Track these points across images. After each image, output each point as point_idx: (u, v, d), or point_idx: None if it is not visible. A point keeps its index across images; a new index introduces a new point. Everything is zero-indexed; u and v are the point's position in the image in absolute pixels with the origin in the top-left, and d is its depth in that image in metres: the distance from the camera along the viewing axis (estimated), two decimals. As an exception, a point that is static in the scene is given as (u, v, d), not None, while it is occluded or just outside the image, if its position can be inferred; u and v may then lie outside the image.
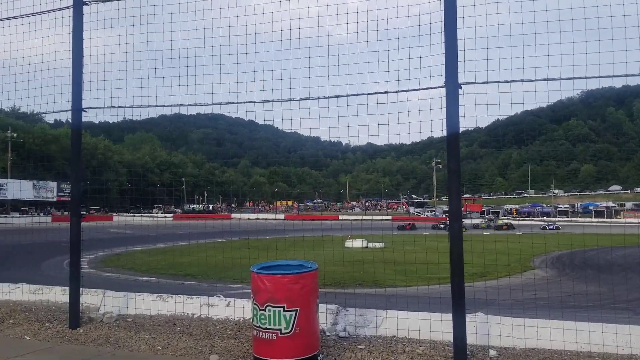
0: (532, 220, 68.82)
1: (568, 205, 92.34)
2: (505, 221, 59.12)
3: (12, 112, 55.40)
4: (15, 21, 7.83)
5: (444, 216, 70.59)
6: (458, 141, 5.70)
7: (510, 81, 5.84)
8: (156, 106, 7.28)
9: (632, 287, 15.69)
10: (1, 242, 29.55)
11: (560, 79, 5.74)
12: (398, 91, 6.04)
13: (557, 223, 54.62)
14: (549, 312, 7.43)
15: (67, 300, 6.87)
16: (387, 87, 6.29)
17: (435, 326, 5.85)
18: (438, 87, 5.79)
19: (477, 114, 6.09)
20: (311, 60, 6.69)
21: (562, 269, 22.07)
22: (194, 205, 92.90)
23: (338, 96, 6.46)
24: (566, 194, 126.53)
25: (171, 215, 63.02)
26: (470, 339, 5.56)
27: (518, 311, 7.53)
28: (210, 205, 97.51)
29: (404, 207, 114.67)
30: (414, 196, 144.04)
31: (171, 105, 7.37)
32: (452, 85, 5.58)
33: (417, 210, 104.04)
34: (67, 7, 7.20)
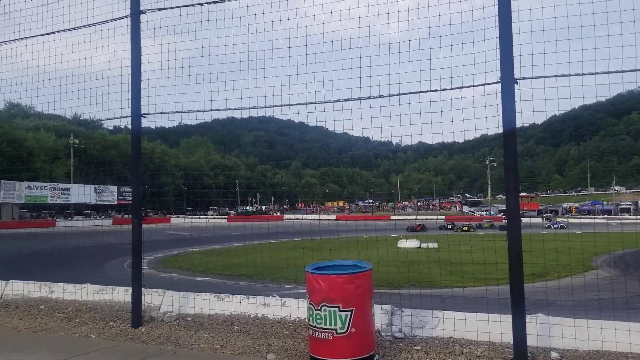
0: (580, 218, 66.05)
1: (630, 203, 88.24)
2: (564, 219, 57.51)
3: (74, 120, 57.94)
4: (76, 32, 8.18)
5: (499, 215, 68.90)
6: (515, 138, 5.57)
7: (569, 75, 5.65)
8: (211, 110, 7.44)
9: None
10: (66, 244, 30.90)
11: (622, 71, 5.50)
12: (451, 88, 5.94)
13: (561, 222, 53.35)
14: (613, 313, 7.13)
15: (130, 300, 7.12)
16: (441, 84, 6.19)
17: (494, 327, 5.72)
18: (493, 83, 5.66)
19: (534, 109, 5.92)
20: (362, 60, 6.69)
21: (626, 268, 21.13)
22: (247, 207, 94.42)
23: (390, 95, 6.42)
24: (628, 191, 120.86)
25: (225, 216, 64.25)
26: (531, 341, 5.40)
27: (580, 312, 7.27)
28: (263, 207, 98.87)
29: (457, 206, 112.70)
30: (467, 195, 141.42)
31: (225, 109, 7.53)
32: (508, 81, 5.44)
33: (471, 209, 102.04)
34: (125, 17, 7.47)
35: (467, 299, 8.40)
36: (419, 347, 5.62)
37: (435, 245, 29.62)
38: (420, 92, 6.28)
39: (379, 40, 6.63)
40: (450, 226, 53.29)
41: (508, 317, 5.32)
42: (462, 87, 6.05)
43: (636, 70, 5.52)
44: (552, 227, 48.51)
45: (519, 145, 5.85)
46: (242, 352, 5.77)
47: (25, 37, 8.62)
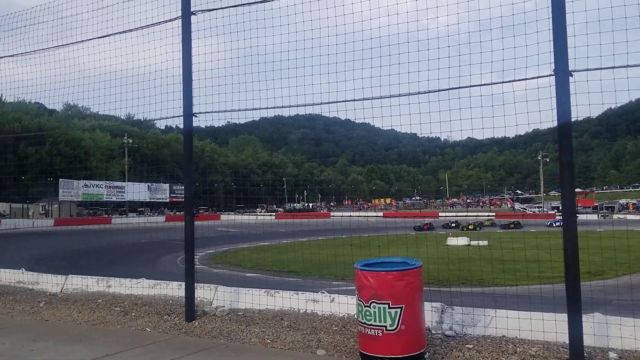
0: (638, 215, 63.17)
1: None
2: (621, 216, 55.30)
3: (128, 120, 59.86)
4: (129, 34, 8.43)
5: (552, 212, 66.88)
6: (570, 132, 5.40)
7: (627, 66, 5.42)
8: (260, 109, 7.54)
9: None
10: (121, 240, 31.99)
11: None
12: (503, 82, 5.81)
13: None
14: (677, 314, 6.82)
15: (183, 294, 7.31)
16: (492, 78, 6.07)
17: (549, 326, 5.57)
18: (547, 76, 5.51)
19: (590, 102, 5.72)
20: (410, 55, 6.62)
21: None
22: (295, 204, 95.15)
23: (439, 90, 6.33)
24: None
25: (273, 214, 64.95)
26: (588, 341, 5.24)
27: (641, 312, 6.98)
28: (310, 204, 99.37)
29: (508, 203, 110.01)
30: (518, 192, 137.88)
31: (273, 108, 7.63)
32: (563, 74, 5.28)
33: (523, 206, 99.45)
34: (177, 18, 7.65)
35: (521, 297, 8.19)
36: (470, 346, 5.54)
37: (485, 242, 29.08)
38: (471, 86, 6.16)
39: (428, 34, 6.55)
40: (454, 224, 51.21)
41: (563, 316, 5.18)
42: (515, 81, 5.90)
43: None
44: (554, 225, 46.99)
45: (573, 140, 5.66)
46: (292, 347, 5.83)
47: (82, 41, 8.96)
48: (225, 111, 7.71)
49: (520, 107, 5.91)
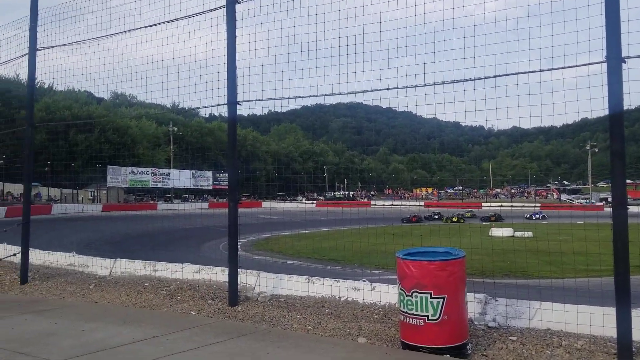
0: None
1: None
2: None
3: (173, 108, 61.08)
4: (175, 24, 8.57)
5: (601, 204, 64.74)
6: (622, 120, 5.21)
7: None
8: (302, 97, 7.55)
9: None
10: (166, 226, 32.76)
11: None
12: (552, 69, 5.64)
13: (542, 213, 49.47)
14: None
15: (226, 279, 7.46)
16: (540, 65, 5.89)
17: (596, 320, 5.44)
18: (598, 63, 5.32)
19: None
20: (455, 42, 6.50)
21: None
22: (335, 193, 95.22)
23: (485, 77, 6.20)
24: None
25: (314, 202, 65.22)
26: (637, 336, 5.09)
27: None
28: (351, 193, 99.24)
29: (555, 194, 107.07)
30: (565, 182, 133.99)
31: (316, 96, 7.61)
32: (615, 60, 5.09)
33: (570, 197, 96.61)
34: (221, 7, 7.74)
35: (567, 290, 8.00)
36: (514, 338, 5.46)
37: (530, 234, 28.46)
38: (518, 73, 6.00)
39: (474, 20, 6.41)
40: (436, 216, 47.90)
41: (612, 310, 5.04)
42: (564, 68, 5.73)
43: None
44: (534, 218, 45.84)
45: (624, 129, 5.47)
46: (333, 334, 5.88)
47: (129, 30, 9.15)
48: (268, 99, 7.78)
49: (569, 95, 5.74)
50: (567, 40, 5.64)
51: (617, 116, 5.13)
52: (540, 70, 5.83)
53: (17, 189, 52.35)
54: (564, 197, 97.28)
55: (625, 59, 5.11)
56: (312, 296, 7.38)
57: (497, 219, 44.38)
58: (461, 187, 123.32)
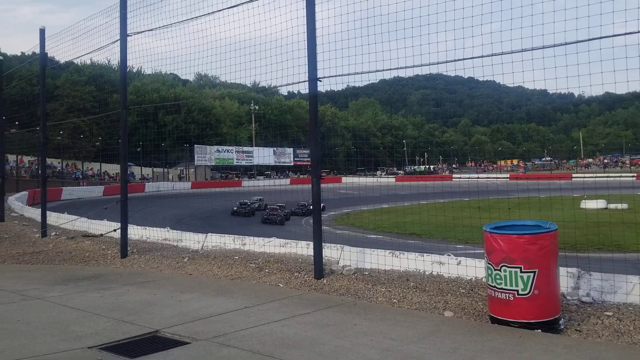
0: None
1: None
2: None
3: (253, 87, 62.45)
4: (256, 3, 8.70)
5: None
6: None
7: None
8: (382, 70, 7.46)
9: None
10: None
11: None
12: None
13: None
14: None
15: (311, 253, 7.64)
16: (639, 25, 5.47)
17: None
18: None
19: None
20: (535, 7, 6.17)
21: None
22: (415, 167, 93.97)
23: (577, 42, 5.86)
24: None
25: (393, 176, 64.74)
26: None
27: None
28: (431, 166, 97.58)
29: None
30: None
31: (397, 69, 7.49)
32: None
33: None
34: (300, -16, 7.76)
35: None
36: (610, 313, 5.23)
37: (625, 206, 26.79)
38: (614, 35, 5.61)
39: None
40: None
41: None
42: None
43: None
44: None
45: None
46: (419, 307, 5.90)
47: (212, 12, 9.40)
48: (348, 74, 7.77)
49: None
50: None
51: None
52: (631, 33, 5.41)
53: (112, 169, 55.81)
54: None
55: None
56: (396, 270, 7.41)
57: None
58: (549, 158, 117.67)
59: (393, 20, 7.41)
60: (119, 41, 10.59)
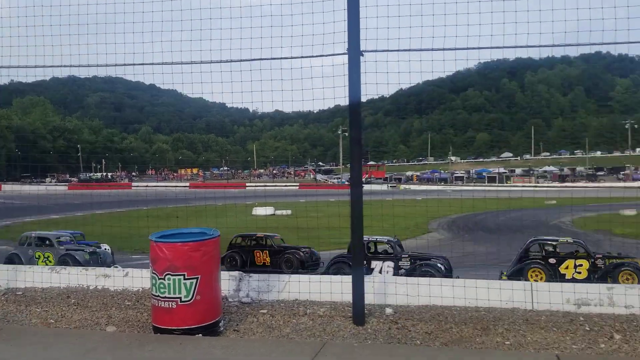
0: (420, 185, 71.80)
1: (464, 172, 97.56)
2: (407, 186, 61.64)
3: None
4: None
5: (348, 183, 72.25)
6: (359, 109, 5.79)
7: (409, 50, 5.99)
8: (52, 66, 6.76)
9: (517, 246, 16.95)
10: None
11: (456, 49, 5.98)
12: (302, 57, 6.00)
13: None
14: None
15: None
16: (291, 52, 6.20)
17: (336, 288, 6.04)
18: (341, 54, 5.78)
19: (377, 81, 6.22)
20: (242, 20, 6.45)
21: (457, 231, 23.38)
22: (92, 174, 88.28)
23: (251, 60, 6.27)
24: (462, 161, 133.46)
25: (66, 184, 59.55)
26: (370, 299, 5.79)
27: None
28: (109, 174, 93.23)
29: (311, 174, 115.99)
30: (320, 163, 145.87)
31: (70, 66, 6.91)
32: (354, 53, 5.61)
33: (324, 177, 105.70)
34: None
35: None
36: (264, 311, 5.74)
37: (289, 212, 30.24)
38: (282, 58, 6.19)
39: (241, 2, 6.44)
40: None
41: (348, 279, 5.64)
42: (312, 57, 6.12)
43: (467, 48, 6.05)
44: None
45: (369, 117, 6.19)
46: (79, 325, 5.45)
47: None
48: (9, 67, 6.79)
49: (319, 83, 6.18)
50: (315, 30, 6.03)
51: (355, 105, 5.68)
52: (292, 58, 6.14)
53: None
54: (319, 177, 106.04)
55: (364, 52, 5.67)
56: (55, 287, 6.73)
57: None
58: (227, 168, 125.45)
59: (66, 13, 6.78)
60: None
